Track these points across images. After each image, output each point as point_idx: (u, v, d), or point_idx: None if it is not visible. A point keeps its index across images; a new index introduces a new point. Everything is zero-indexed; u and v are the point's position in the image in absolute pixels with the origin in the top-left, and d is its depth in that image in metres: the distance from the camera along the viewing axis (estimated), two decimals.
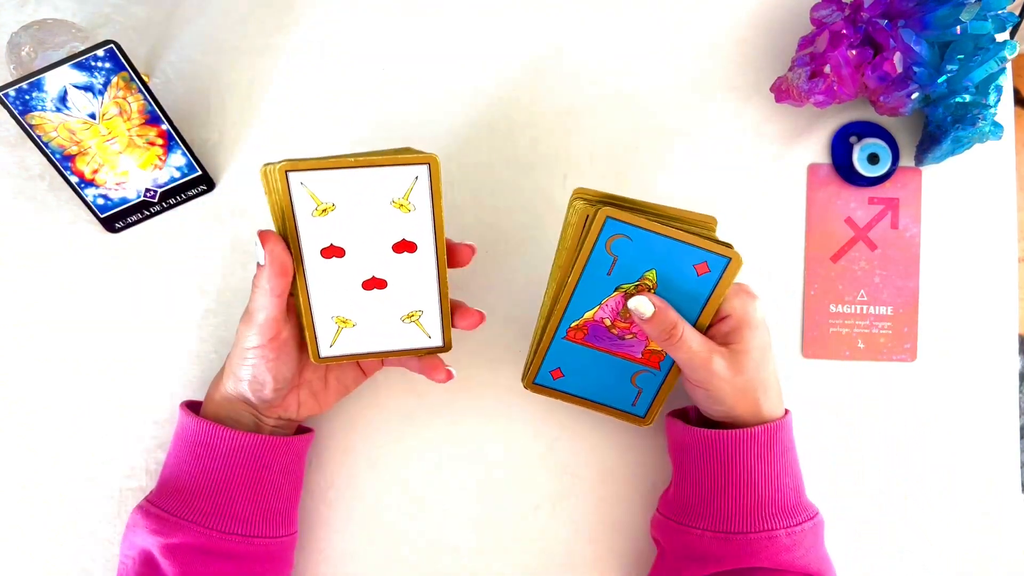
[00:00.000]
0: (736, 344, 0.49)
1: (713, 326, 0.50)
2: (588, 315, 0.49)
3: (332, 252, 0.50)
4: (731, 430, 0.50)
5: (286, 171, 0.48)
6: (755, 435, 0.50)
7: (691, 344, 0.48)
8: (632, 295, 0.48)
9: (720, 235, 0.49)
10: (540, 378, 0.53)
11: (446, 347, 0.53)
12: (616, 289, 0.48)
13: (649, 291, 0.48)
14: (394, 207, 0.50)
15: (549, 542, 0.58)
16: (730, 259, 0.47)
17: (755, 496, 0.49)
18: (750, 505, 0.49)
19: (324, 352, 0.52)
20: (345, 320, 0.51)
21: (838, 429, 0.58)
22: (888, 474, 0.58)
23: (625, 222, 0.46)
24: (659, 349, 0.50)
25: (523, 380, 0.54)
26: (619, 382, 0.52)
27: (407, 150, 0.50)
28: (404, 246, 0.51)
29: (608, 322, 0.49)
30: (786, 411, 0.52)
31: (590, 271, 0.48)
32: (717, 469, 0.50)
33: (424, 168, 0.49)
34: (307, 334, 0.51)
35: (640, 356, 0.51)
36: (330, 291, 0.51)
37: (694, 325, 0.49)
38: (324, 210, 0.49)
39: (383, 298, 0.52)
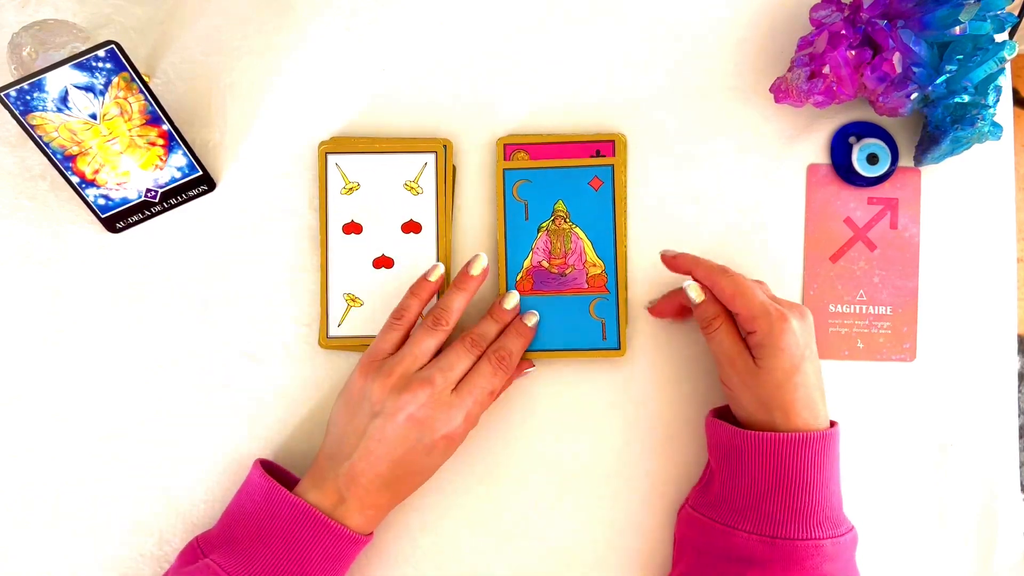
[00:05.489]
0: (758, 360, 0.50)
1: (747, 335, 0.51)
2: (526, 263, 0.56)
3: (352, 228, 0.57)
4: (788, 433, 0.49)
5: (325, 152, 0.57)
6: (811, 440, 0.49)
7: (723, 339, 0.52)
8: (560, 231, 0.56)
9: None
10: None
11: None
12: (538, 230, 0.56)
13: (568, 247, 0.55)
14: (406, 189, 0.56)
15: (549, 542, 0.58)
16: (612, 165, 0.55)
17: (803, 502, 0.49)
18: (798, 511, 0.49)
19: (332, 332, 0.57)
20: (354, 298, 0.57)
21: None
22: (887, 474, 0.58)
23: (520, 168, 0.56)
24: (599, 271, 0.56)
25: None
26: (581, 319, 0.56)
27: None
28: (411, 226, 0.57)
29: (545, 263, 0.55)
30: (833, 423, 0.52)
31: (511, 222, 0.56)
32: (768, 472, 0.49)
33: (432, 156, 0.57)
34: (320, 312, 0.57)
35: (587, 286, 0.56)
36: (345, 267, 0.57)
37: (613, 240, 0.56)
38: (350, 189, 0.56)
39: (389, 278, 0.57)
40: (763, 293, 0.52)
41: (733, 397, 0.52)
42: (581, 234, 0.55)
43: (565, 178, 0.56)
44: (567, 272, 0.55)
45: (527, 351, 0.56)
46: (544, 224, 0.56)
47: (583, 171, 0.55)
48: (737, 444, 0.51)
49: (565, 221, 0.55)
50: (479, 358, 0.53)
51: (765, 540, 0.49)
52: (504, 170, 0.56)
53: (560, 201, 0.55)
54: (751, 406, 0.51)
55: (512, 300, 0.56)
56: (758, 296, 0.51)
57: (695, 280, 0.53)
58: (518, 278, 0.56)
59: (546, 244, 0.56)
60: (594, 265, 0.55)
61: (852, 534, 0.51)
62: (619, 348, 0.57)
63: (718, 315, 0.52)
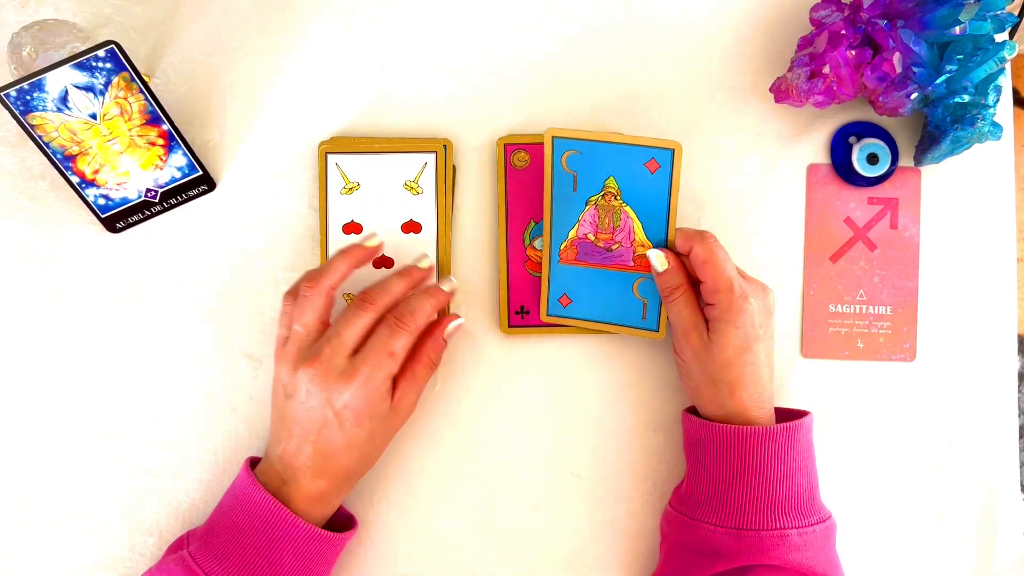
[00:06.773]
0: (712, 334, 0.51)
1: (706, 307, 0.52)
2: (571, 234, 0.55)
3: (352, 228, 0.57)
4: (749, 426, 0.50)
5: (325, 152, 0.57)
6: (773, 433, 0.50)
7: (682, 310, 0.52)
8: (610, 211, 0.54)
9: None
10: (552, 309, 0.57)
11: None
12: (586, 203, 0.54)
13: (623, 236, 0.54)
14: (406, 189, 0.56)
15: (549, 542, 0.58)
16: (673, 149, 0.52)
17: (768, 494, 0.49)
18: (762, 502, 0.49)
19: None
20: (352, 298, 0.55)
21: (837, 429, 0.58)
22: (887, 474, 0.58)
23: (570, 138, 0.53)
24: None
25: (540, 314, 0.57)
26: (624, 296, 0.55)
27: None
28: (411, 226, 0.57)
29: (591, 236, 0.54)
30: (807, 413, 0.53)
31: (558, 192, 0.54)
32: (732, 464, 0.50)
33: (432, 156, 0.57)
34: None
35: (632, 264, 0.55)
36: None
37: (665, 225, 0.54)
38: (350, 189, 0.56)
39: None
40: (734, 268, 0.52)
41: (684, 368, 0.53)
42: (631, 213, 0.54)
43: (619, 155, 0.53)
44: (613, 248, 0.54)
45: (573, 318, 0.56)
46: (593, 198, 0.54)
47: (640, 151, 0.53)
48: (702, 436, 0.52)
49: (616, 198, 0.54)
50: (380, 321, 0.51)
51: (730, 532, 0.49)
52: (553, 138, 0.53)
53: (612, 178, 0.53)
54: (700, 379, 0.52)
55: (428, 260, 0.54)
56: (727, 269, 0.51)
57: (668, 247, 0.54)
58: (562, 247, 0.55)
59: (593, 218, 0.54)
60: (642, 245, 0.54)
61: (825, 525, 0.50)
62: (658, 330, 0.56)
63: (680, 285, 0.52)
